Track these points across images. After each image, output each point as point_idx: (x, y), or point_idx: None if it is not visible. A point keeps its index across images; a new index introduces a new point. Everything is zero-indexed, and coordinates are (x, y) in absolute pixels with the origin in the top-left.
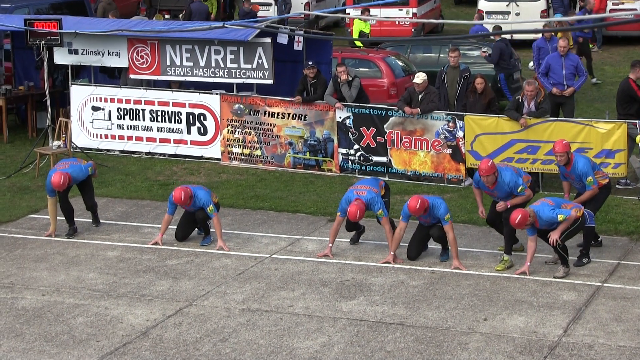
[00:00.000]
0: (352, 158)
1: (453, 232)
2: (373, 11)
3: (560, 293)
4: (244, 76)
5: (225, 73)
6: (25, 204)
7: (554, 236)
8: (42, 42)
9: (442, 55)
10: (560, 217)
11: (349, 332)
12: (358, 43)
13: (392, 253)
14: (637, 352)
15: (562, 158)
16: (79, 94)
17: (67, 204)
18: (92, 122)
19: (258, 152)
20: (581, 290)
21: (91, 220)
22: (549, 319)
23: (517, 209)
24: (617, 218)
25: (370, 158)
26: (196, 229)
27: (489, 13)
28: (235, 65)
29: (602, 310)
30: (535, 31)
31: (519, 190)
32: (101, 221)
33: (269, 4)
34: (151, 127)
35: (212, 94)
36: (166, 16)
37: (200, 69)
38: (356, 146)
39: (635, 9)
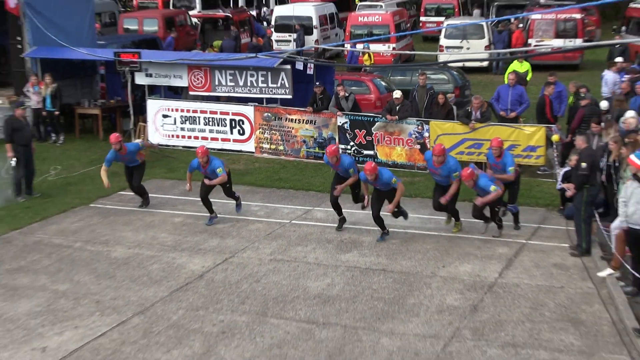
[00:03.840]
0: (349, 151)
1: (400, 191)
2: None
3: (497, 248)
4: (271, 92)
5: (257, 90)
6: (116, 184)
7: (479, 201)
8: (127, 68)
9: (413, 78)
10: (492, 188)
11: (346, 275)
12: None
13: (366, 197)
14: (550, 289)
15: (496, 151)
16: (153, 105)
17: (133, 180)
18: (162, 125)
19: (281, 147)
20: (512, 246)
21: (141, 202)
22: (489, 266)
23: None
24: (537, 195)
25: (362, 152)
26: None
27: (447, 47)
28: (265, 85)
29: (526, 259)
30: (482, 59)
31: (454, 175)
32: (170, 196)
33: (289, 41)
34: (204, 129)
35: (248, 105)
36: (215, 49)
37: (239, 87)
38: (352, 143)
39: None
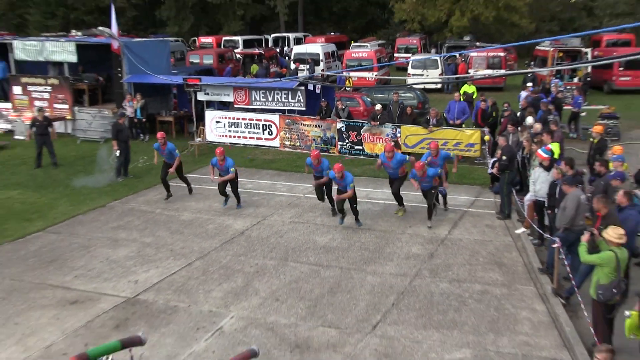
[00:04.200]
0: (345, 147)
1: (350, 192)
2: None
3: (447, 214)
4: (290, 105)
5: (281, 104)
6: (185, 169)
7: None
8: (191, 89)
9: (389, 95)
10: (439, 171)
11: (343, 233)
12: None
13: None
14: (482, 242)
15: (434, 151)
16: (210, 115)
17: (181, 176)
18: (215, 128)
19: (298, 144)
20: (457, 213)
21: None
22: (441, 226)
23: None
24: (475, 177)
25: (354, 147)
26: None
27: (413, 74)
28: (286, 100)
29: (467, 222)
30: (437, 83)
31: (406, 159)
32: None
33: (303, 70)
34: (244, 131)
35: (274, 114)
36: (252, 75)
37: (269, 102)
38: (347, 141)
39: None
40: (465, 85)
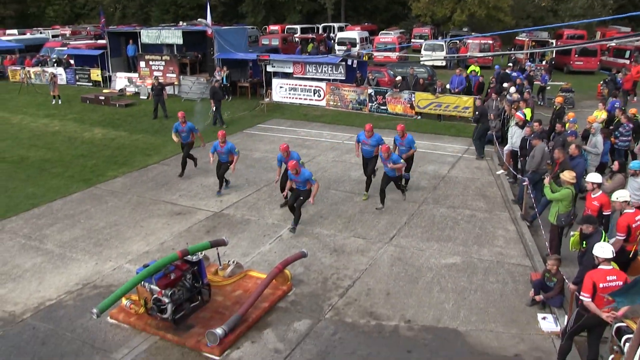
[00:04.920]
0: (374, 107)
1: (315, 189)
2: (382, 52)
3: (446, 158)
4: (334, 76)
5: (328, 75)
6: (248, 124)
7: (394, 166)
8: (262, 63)
9: (407, 69)
10: (402, 162)
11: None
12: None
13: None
14: (472, 179)
15: (400, 132)
16: (275, 82)
17: (183, 153)
18: (279, 92)
19: (339, 104)
20: (455, 157)
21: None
22: (442, 167)
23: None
24: (468, 132)
25: (380, 107)
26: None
27: (425, 54)
28: (332, 71)
29: (462, 164)
30: (442, 61)
31: (380, 141)
32: (283, 127)
33: (342, 50)
34: (300, 94)
35: (322, 82)
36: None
37: (319, 73)
38: (375, 103)
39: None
40: (472, 65)
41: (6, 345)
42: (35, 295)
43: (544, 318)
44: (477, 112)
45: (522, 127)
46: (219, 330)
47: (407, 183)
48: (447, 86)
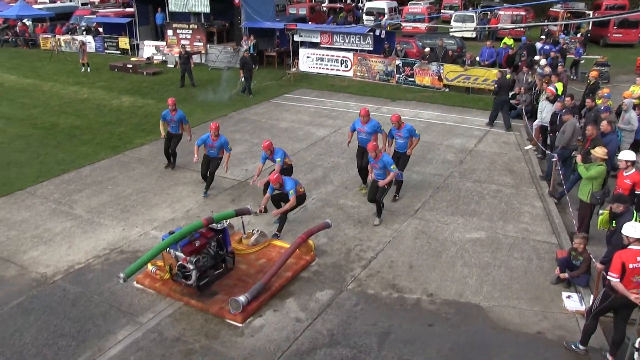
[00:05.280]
0: (401, 78)
1: (291, 202)
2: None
3: (473, 131)
4: (362, 46)
5: (355, 45)
6: (275, 93)
7: (381, 183)
8: (290, 32)
9: (436, 40)
10: (392, 167)
11: None
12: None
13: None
14: (499, 154)
15: (396, 124)
16: (302, 52)
17: (170, 147)
18: (306, 62)
19: (366, 74)
20: (482, 131)
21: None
22: (469, 140)
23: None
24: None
25: (407, 79)
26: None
27: (454, 26)
28: (359, 42)
29: (489, 138)
30: (472, 32)
31: (377, 128)
32: (310, 97)
33: (370, 20)
34: (327, 65)
35: (350, 52)
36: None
37: (346, 43)
38: (402, 74)
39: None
40: (506, 38)
41: (40, 304)
42: (65, 258)
43: (568, 297)
44: (495, 84)
45: (552, 101)
46: (242, 298)
47: (400, 188)
48: (477, 58)
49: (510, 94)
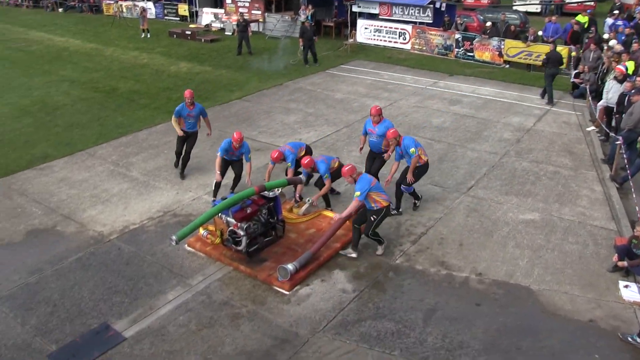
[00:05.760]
0: (460, 53)
1: (327, 186)
2: None
3: (532, 110)
4: (421, 18)
5: (414, 17)
6: (331, 64)
7: (409, 176)
8: (348, 2)
9: (498, 15)
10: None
11: (452, 117)
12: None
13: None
14: (559, 134)
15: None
16: (360, 23)
17: (186, 149)
18: (364, 33)
19: (425, 47)
20: (542, 110)
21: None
22: (528, 119)
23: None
24: (559, 84)
25: (467, 53)
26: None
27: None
28: (419, 14)
29: (549, 118)
30: (536, 6)
31: (386, 131)
32: (368, 69)
33: None
34: (385, 37)
35: (408, 24)
36: None
37: (405, 15)
38: (462, 49)
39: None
40: (580, 15)
41: (96, 261)
42: (121, 218)
43: (626, 286)
44: (546, 56)
45: (621, 81)
46: (290, 266)
47: (415, 195)
48: (540, 34)
49: (574, 72)
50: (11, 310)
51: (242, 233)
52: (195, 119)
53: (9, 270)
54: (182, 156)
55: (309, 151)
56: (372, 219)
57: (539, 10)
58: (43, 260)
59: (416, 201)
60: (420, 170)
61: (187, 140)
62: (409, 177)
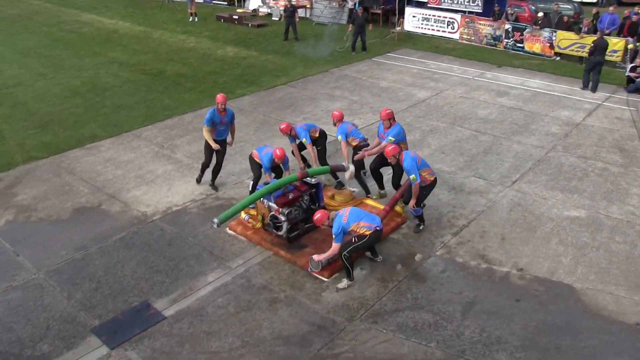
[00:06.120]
0: (509, 44)
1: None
2: None
3: (583, 104)
4: (470, 8)
5: (464, 6)
6: (378, 52)
7: (411, 203)
8: None
9: (551, 5)
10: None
11: (499, 109)
12: None
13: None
14: (610, 130)
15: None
16: (408, 11)
17: (217, 159)
18: (411, 21)
19: (473, 38)
20: (593, 104)
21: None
22: (578, 113)
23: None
24: (613, 77)
25: (517, 44)
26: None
27: None
28: (468, 3)
29: (600, 112)
30: None
31: (398, 136)
32: (414, 58)
33: None
34: (434, 26)
35: (457, 14)
36: None
37: (454, 4)
38: (512, 39)
39: None
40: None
41: (139, 241)
42: (164, 199)
43: None
44: (593, 44)
45: None
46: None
47: (420, 218)
48: (597, 24)
49: (630, 65)
50: (58, 284)
51: (283, 218)
52: (227, 125)
53: (57, 246)
54: (213, 167)
55: (323, 135)
56: (354, 240)
57: (595, 0)
58: (88, 238)
59: (421, 226)
60: (426, 190)
61: (218, 149)
62: (411, 204)
